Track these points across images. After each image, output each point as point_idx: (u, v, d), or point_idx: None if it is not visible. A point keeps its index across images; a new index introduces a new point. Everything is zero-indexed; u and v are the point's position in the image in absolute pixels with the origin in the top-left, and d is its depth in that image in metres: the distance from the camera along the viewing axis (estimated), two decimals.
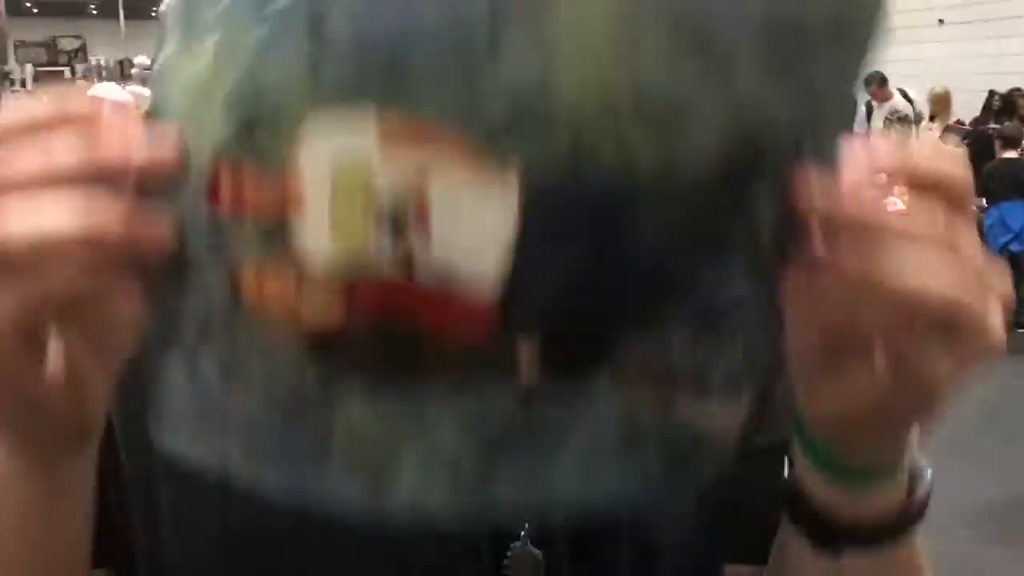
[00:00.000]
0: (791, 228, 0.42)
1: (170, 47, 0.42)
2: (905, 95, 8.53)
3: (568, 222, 0.39)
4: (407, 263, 0.39)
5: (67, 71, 10.91)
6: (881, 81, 8.37)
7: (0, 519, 0.50)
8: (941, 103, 8.31)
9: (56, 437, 0.47)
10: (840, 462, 0.51)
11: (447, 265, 0.39)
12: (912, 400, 0.45)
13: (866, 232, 0.42)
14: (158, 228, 0.40)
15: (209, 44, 0.40)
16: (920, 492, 0.54)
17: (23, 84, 10.19)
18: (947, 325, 0.42)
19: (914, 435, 0.52)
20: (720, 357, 0.44)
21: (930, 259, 0.42)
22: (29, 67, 10.68)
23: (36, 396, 0.42)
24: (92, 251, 0.38)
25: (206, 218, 0.41)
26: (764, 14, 0.39)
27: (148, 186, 0.40)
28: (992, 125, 7.80)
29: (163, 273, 0.42)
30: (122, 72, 12.89)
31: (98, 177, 0.39)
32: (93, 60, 12.01)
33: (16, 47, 10.17)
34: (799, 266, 0.43)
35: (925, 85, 8.57)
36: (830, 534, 0.54)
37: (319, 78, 0.38)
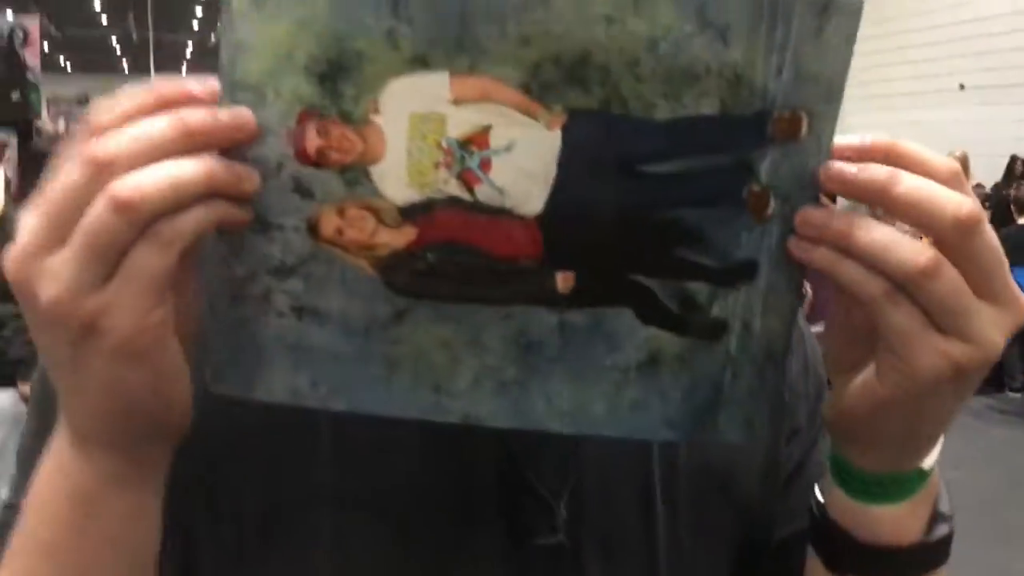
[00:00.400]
0: (800, 193, 0.49)
1: (238, 19, 0.46)
2: None
3: (598, 167, 0.47)
4: (470, 198, 0.47)
5: None
6: None
7: (96, 530, 0.50)
8: (960, 167, 8.30)
9: (159, 431, 0.49)
10: (856, 468, 0.55)
11: (502, 199, 0.47)
12: (913, 385, 0.48)
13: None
14: (253, 176, 0.46)
15: (284, 10, 0.45)
16: (938, 532, 0.57)
17: (55, 139, 10.37)
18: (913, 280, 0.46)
19: (933, 458, 0.55)
20: (736, 313, 0.50)
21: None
22: (62, 122, 10.86)
23: (165, 372, 0.46)
24: (211, 189, 0.44)
25: (289, 169, 0.46)
26: None
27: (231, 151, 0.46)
28: (1012, 191, 7.79)
29: (239, 231, 0.47)
30: None
31: (194, 144, 0.45)
32: None
33: (50, 103, 10.36)
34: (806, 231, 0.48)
35: (946, 150, 8.58)
36: (846, 555, 0.57)
37: (397, 43, 0.45)
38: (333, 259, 0.48)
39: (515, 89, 0.46)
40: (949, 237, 0.46)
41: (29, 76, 5.40)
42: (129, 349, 0.44)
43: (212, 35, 33.19)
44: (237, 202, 0.46)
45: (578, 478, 0.61)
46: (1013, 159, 8.53)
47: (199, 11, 29.19)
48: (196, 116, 0.45)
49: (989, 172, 8.59)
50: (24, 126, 5.35)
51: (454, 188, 0.47)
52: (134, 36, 30.25)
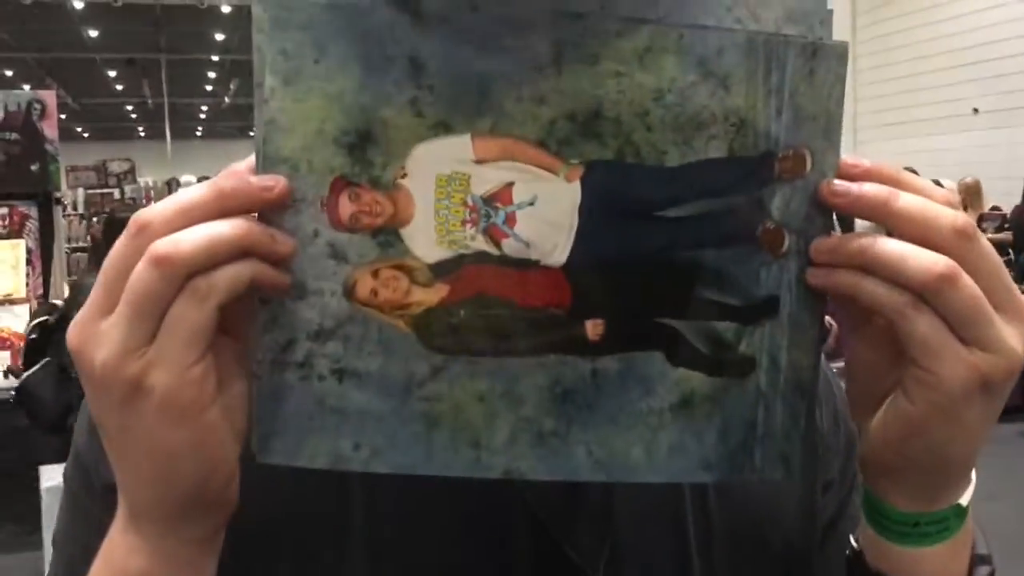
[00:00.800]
0: (812, 226, 0.51)
1: (270, 98, 0.48)
2: (939, 186, 8.51)
3: (617, 214, 0.50)
4: (497, 252, 0.49)
5: (116, 192, 11.18)
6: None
7: None
8: (971, 193, 8.28)
9: (205, 500, 0.49)
10: (895, 508, 0.54)
11: (528, 251, 0.49)
12: (944, 399, 0.48)
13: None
14: (287, 239, 0.48)
15: (316, 86, 0.48)
16: (980, 575, 0.56)
17: (74, 207, 10.46)
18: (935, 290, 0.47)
19: (967, 495, 0.54)
20: (763, 348, 0.51)
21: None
22: (81, 191, 10.98)
23: (207, 433, 0.47)
24: (245, 247, 0.46)
25: (324, 235, 0.49)
26: (746, 42, 0.50)
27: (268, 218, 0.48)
28: None
29: (278, 300, 0.49)
30: (169, 192, 13.23)
31: (228, 207, 0.47)
32: (142, 181, 12.32)
33: (68, 172, 10.49)
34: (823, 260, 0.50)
35: (961, 175, 8.55)
36: None
37: (420, 110, 0.48)
38: (370, 320, 0.49)
39: (534, 146, 0.49)
40: (950, 247, 0.48)
41: (48, 148, 5.47)
42: (172, 406, 0.45)
43: (225, 98, 33.69)
44: (274, 267, 0.48)
45: (613, 544, 0.59)
46: None
47: (211, 75, 29.62)
48: (230, 180, 0.47)
49: (1007, 195, 8.54)
50: (44, 198, 5.40)
51: (481, 243, 0.49)
52: (149, 102, 30.71)
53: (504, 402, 0.50)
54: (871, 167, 0.52)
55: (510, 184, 0.49)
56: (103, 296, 0.46)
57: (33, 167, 5.41)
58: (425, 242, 0.49)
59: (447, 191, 0.49)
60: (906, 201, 0.49)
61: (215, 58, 26.66)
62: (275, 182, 0.47)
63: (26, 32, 20.34)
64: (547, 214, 0.49)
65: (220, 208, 0.47)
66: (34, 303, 5.06)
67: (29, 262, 5.29)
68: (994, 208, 8.32)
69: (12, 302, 4.92)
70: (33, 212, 5.47)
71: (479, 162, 0.49)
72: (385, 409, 0.49)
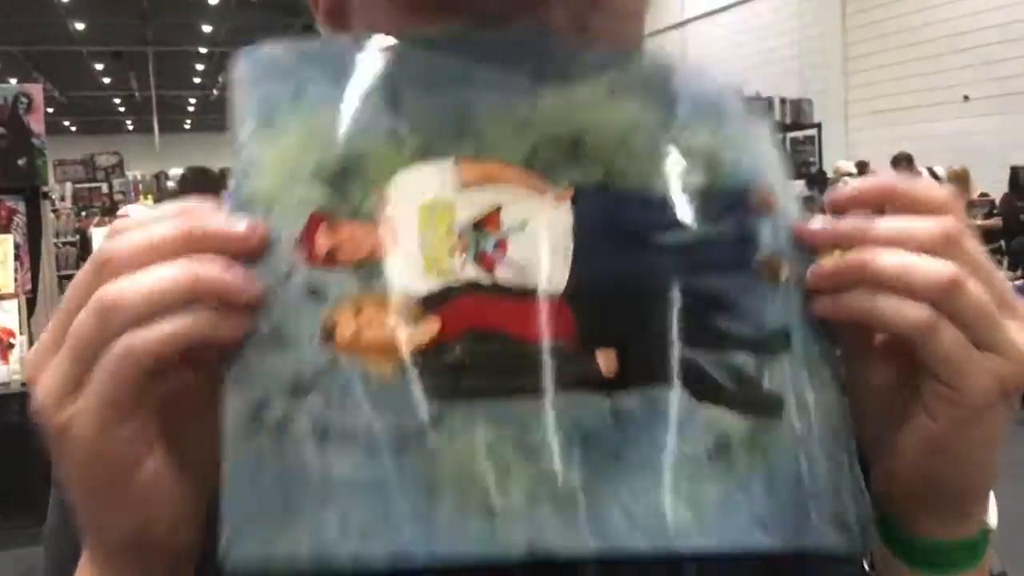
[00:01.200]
0: (805, 256, 0.49)
1: (247, 134, 0.46)
2: (934, 174, 8.54)
3: (613, 238, 0.47)
4: (490, 281, 0.45)
5: (104, 186, 11.14)
6: (908, 161, 8.39)
7: None
8: (960, 181, 8.30)
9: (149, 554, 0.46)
10: (908, 535, 0.52)
11: (523, 278, 0.45)
12: (967, 412, 0.47)
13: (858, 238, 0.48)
14: (251, 282, 0.43)
15: (293, 125, 0.45)
16: None
17: (61, 200, 10.41)
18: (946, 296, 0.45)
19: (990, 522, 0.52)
20: (787, 386, 0.48)
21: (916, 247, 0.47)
22: (69, 185, 10.92)
23: (140, 489, 0.43)
24: (194, 296, 0.42)
25: (300, 274, 0.44)
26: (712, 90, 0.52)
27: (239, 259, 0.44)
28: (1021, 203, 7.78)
29: (247, 354, 0.43)
30: (158, 185, 13.17)
31: (196, 249, 0.43)
32: (130, 175, 12.27)
33: (55, 166, 10.43)
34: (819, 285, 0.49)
35: (951, 162, 8.57)
36: None
37: (400, 141, 0.45)
38: (355, 367, 0.43)
39: (519, 168, 0.46)
40: (946, 255, 0.46)
41: (35, 142, 5.43)
42: (95, 460, 0.42)
43: (214, 90, 33.58)
44: (245, 314, 0.43)
45: None
46: (1014, 170, 8.48)
47: (199, 67, 29.54)
48: (202, 222, 0.43)
49: (997, 183, 8.56)
50: (31, 192, 5.37)
51: (472, 272, 0.45)
52: (137, 95, 30.62)
53: (517, 454, 0.43)
54: (858, 194, 0.50)
55: (497, 208, 0.46)
56: (58, 330, 0.43)
57: (20, 161, 5.37)
58: (411, 274, 0.44)
59: (431, 220, 0.45)
60: (882, 264, 0.47)
61: (203, 50, 26.58)
62: (252, 229, 0.43)
63: (12, 25, 20.24)
64: (540, 238, 0.46)
65: (188, 248, 0.43)
66: (22, 298, 5.02)
67: (17, 257, 5.25)
68: (982, 195, 8.34)
69: (0, 297, 4.88)
70: (20, 207, 5.43)
71: (463, 187, 0.45)
72: (377, 475, 0.42)
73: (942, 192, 0.49)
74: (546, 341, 0.45)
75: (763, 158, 0.52)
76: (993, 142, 9.87)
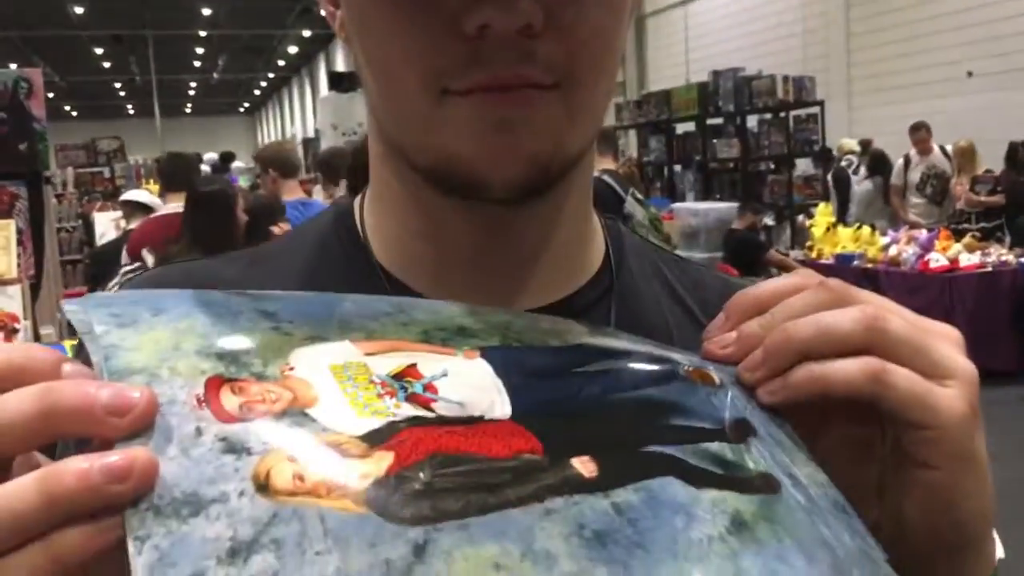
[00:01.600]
0: None
1: (104, 339, 0.40)
2: (944, 152, 8.50)
3: (537, 377, 0.46)
4: (432, 415, 0.41)
5: (106, 171, 11.11)
6: (927, 130, 8.37)
7: None
8: (966, 156, 8.26)
9: None
10: None
11: (465, 411, 0.42)
12: (952, 443, 0.46)
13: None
14: (140, 464, 0.35)
15: (160, 327, 0.41)
16: None
17: (63, 186, 10.39)
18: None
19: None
20: (772, 465, 0.46)
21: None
22: (70, 170, 10.90)
23: None
24: (52, 515, 0.35)
25: (211, 431, 0.37)
26: None
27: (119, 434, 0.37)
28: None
29: (157, 530, 0.35)
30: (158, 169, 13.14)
31: (58, 431, 0.36)
32: (131, 159, 12.24)
33: (57, 151, 10.41)
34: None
35: (955, 137, 8.53)
36: None
37: (287, 333, 0.43)
38: (306, 512, 0.36)
39: (416, 342, 0.46)
40: (869, 343, 0.46)
41: (36, 126, 5.41)
42: None
43: (214, 74, 33.45)
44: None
45: None
46: (1012, 146, 8.43)
47: (199, 51, 29.42)
48: (65, 397, 0.36)
49: (1000, 159, 8.51)
50: (33, 177, 5.36)
51: (410, 410, 0.41)
52: (137, 79, 30.52)
53: (530, 563, 0.37)
54: (731, 315, 0.50)
55: (413, 364, 0.44)
56: None
57: (21, 146, 5.35)
58: (343, 418, 0.39)
59: (347, 375, 0.42)
60: (781, 310, 0.47)
61: (202, 33, 26.47)
62: (132, 400, 0.36)
63: (10, 9, 20.16)
64: (467, 379, 0.44)
65: (56, 433, 0.36)
66: (26, 283, 5.02)
67: (20, 242, 5.25)
68: (987, 171, 8.29)
69: (4, 283, 4.88)
70: (23, 192, 5.42)
71: (368, 355, 0.44)
72: None
73: (801, 274, 0.50)
74: (516, 457, 0.41)
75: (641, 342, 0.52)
76: (996, 118, 9.83)
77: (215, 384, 0.39)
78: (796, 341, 0.46)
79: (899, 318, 0.46)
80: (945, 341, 0.47)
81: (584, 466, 0.41)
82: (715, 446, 0.45)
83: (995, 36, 10.36)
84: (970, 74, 10.83)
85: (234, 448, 0.37)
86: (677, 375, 0.48)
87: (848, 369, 0.45)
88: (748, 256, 6.10)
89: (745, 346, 0.48)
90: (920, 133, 8.43)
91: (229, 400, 0.39)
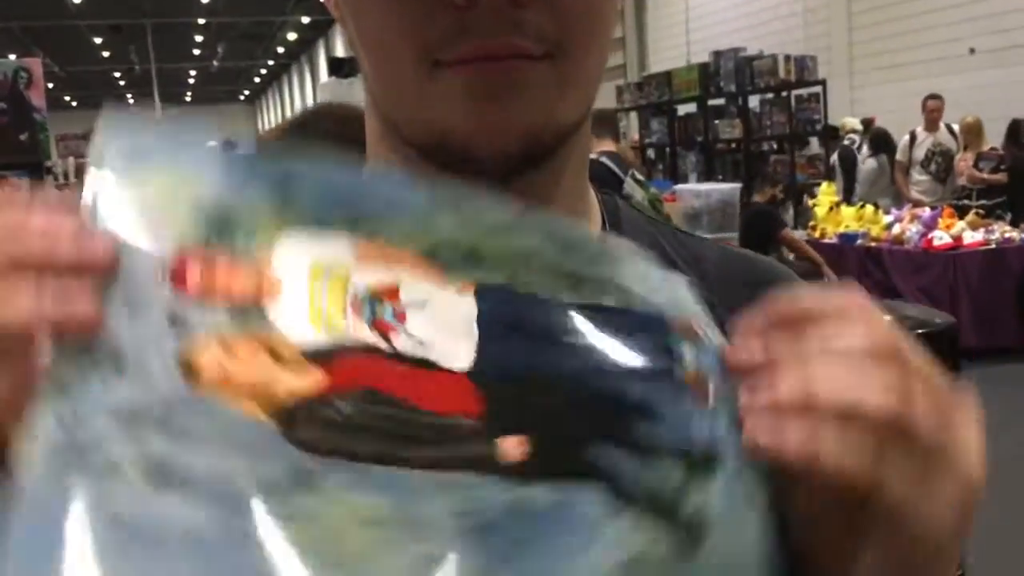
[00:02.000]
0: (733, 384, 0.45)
1: (112, 162, 0.41)
2: (951, 130, 8.47)
3: (521, 333, 0.43)
4: (386, 344, 0.40)
5: None
6: (940, 100, 8.37)
7: None
8: (972, 133, 8.23)
9: None
10: None
11: (424, 350, 0.40)
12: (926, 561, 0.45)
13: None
14: (84, 306, 0.38)
15: (167, 168, 0.41)
16: None
17: (65, 176, 10.40)
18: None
19: None
20: (721, 507, 0.42)
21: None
22: (71, 160, 10.90)
23: None
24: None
25: (160, 302, 0.38)
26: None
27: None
28: None
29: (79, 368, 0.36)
30: None
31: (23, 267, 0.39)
32: None
33: (58, 141, 10.41)
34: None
35: (958, 115, 8.50)
36: None
37: (289, 206, 0.41)
38: (213, 408, 0.36)
39: (418, 256, 0.42)
40: (886, 438, 0.42)
41: (36, 117, 5.41)
42: None
43: (214, 62, 33.39)
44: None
45: None
46: (1014, 123, 8.39)
47: (198, 39, 29.36)
48: (31, 252, 0.39)
49: (1002, 135, 8.48)
50: (34, 167, 5.36)
51: (367, 335, 0.40)
52: (136, 68, 30.46)
53: (402, 529, 0.36)
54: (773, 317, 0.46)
55: (396, 286, 0.41)
56: None
57: (22, 137, 5.36)
58: (296, 323, 0.39)
59: (323, 276, 0.40)
60: (820, 350, 0.44)
61: (201, 21, 26.40)
62: (93, 259, 0.38)
63: (9, 0, 20.11)
64: (442, 316, 0.41)
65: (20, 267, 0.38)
66: None
67: None
68: (992, 148, 8.26)
69: None
70: (24, 183, 5.43)
71: (358, 259, 0.41)
72: (223, 532, 0.34)
73: (855, 301, 0.46)
74: (448, 415, 0.39)
75: (682, 303, 0.47)
76: (999, 95, 9.78)
77: (188, 253, 0.39)
78: (816, 410, 0.42)
79: (925, 399, 0.43)
80: (963, 430, 0.45)
81: (514, 447, 0.39)
82: (665, 470, 0.41)
83: (998, 12, 10.30)
84: (972, 51, 10.77)
85: (174, 321, 0.37)
86: (672, 375, 0.44)
87: (850, 465, 0.42)
88: (764, 230, 6.04)
89: (768, 369, 0.45)
90: (936, 102, 8.40)
91: (194, 271, 0.39)
